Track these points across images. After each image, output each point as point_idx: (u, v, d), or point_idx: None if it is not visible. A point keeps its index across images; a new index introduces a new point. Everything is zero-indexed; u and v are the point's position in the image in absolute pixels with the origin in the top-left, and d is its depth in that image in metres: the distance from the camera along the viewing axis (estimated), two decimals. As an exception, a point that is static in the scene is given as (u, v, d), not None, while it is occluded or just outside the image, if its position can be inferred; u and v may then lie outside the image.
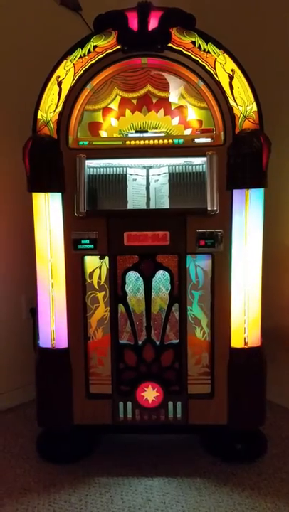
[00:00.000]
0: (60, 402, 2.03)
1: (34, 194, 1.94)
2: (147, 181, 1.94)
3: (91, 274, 1.99)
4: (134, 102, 2.01)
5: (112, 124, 2.03)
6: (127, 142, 1.94)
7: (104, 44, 1.88)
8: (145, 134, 1.98)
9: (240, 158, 1.84)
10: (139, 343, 2.01)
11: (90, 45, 1.89)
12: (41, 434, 2.17)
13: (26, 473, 2.04)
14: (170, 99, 2.00)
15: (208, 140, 1.92)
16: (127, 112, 2.02)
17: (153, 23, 1.85)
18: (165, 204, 1.92)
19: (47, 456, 2.11)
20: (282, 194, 2.42)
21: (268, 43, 2.40)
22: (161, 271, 1.97)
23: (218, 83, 1.87)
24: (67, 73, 1.89)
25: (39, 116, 1.91)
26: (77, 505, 1.85)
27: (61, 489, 1.93)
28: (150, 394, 2.01)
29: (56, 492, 1.92)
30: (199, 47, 1.86)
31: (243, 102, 1.86)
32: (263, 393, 2.03)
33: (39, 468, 2.06)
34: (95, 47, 1.89)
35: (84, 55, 1.89)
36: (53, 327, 2.00)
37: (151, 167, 1.94)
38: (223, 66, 1.86)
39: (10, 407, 2.52)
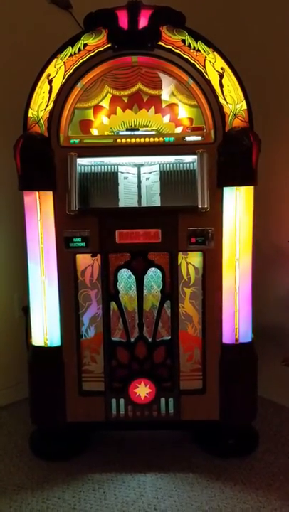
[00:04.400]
0: (53, 400, 2.04)
1: (25, 192, 1.94)
2: (138, 179, 1.94)
3: (83, 272, 2.00)
4: (125, 99, 2.02)
5: (103, 122, 2.04)
6: (118, 140, 1.95)
7: (94, 42, 1.89)
8: (136, 132, 1.98)
9: (230, 156, 1.86)
10: (132, 340, 2.02)
11: (80, 44, 1.89)
12: (34, 431, 2.18)
13: (20, 470, 2.04)
14: (161, 97, 2.01)
15: (199, 138, 1.93)
16: (118, 109, 2.02)
17: (143, 22, 1.86)
18: (156, 202, 1.93)
19: (40, 453, 2.12)
20: (272, 192, 2.44)
21: (258, 41, 2.42)
22: (153, 268, 1.99)
23: (208, 81, 1.88)
24: (57, 71, 1.90)
25: (30, 115, 1.91)
26: (71, 501, 1.87)
27: (54, 486, 1.94)
28: (142, 390, 2.02)
29: (49, 489, 1.93)
30: (189, 45, 1.87)
31: (233, 100, 1.87)
32: (254, 389, 2.05)
33: (32, 465, 2.07)
34: (85, 45, 1.89)
35: (74, 54, 1.89)
36: (46, 325, 2.00)
37: (142, 165, 1.95)
38: (212, 64, 1.87)
39: (3, 405, 2.52)
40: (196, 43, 1.86)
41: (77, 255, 1.97)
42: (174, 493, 1.89)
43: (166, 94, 2.00)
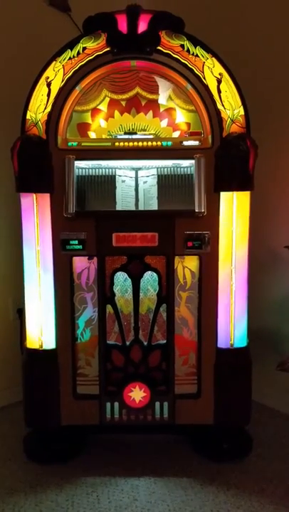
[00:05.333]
0: (47, 403, 2.03)
1: (22, 194, 1.93)
2: (136, 183, 1.95)
3: (79, 274, 1.99)
4: (123, 103, 2.02)
5: (100, 125, 2.04)
6: (116, 144, 1.95)
7: (93, 46, 1.89)
8: (134, 136, 1.99)
9: (228, 162, 1.87)
10: (127, 343, 2.02)
11: (79, 47, 1.89)
12: (28, 434, 2.17)
13: (13, 473, 2.03)
14: (159, 101, 2.02)
15: (196, 143, 1.94)
16: (116, 113, 2.03)
17: (142, 26, 1.87)
18: (154, 205, 1.93)
19: (34, 456, 2.11)
20: (269, 197, 2.45)
21: (258, 45, 2.43)
22: (150, 272, 1.99)
23: (206, 87, 1.89)
24: (56, 74, 1.90)
25: (28, 117, 1.91)
26: (64, 505, 1.86)
27: (48, 489, 1.93)
28: (137, 394, 2.02)
29: (43, 492, 1.92)
30: (188, 50, 1.88)
31: (231, 105, 1.88)
32: (249, 393, 2.05)
33: (26, 468, 2.06)
34: (84, 48, 1.89)
35: (73, 57, 1.89)
36: (41, 328, 2.00)
37: (140, 169, 1.95)
38: (211, 70, 1.88)
39: (-3, 408, 2.51)
40: (195, 48, 1.87)
41: (74, 258, 1.97)
42: (168, 498, 1.89)
43: (163, 98, 2.01)
